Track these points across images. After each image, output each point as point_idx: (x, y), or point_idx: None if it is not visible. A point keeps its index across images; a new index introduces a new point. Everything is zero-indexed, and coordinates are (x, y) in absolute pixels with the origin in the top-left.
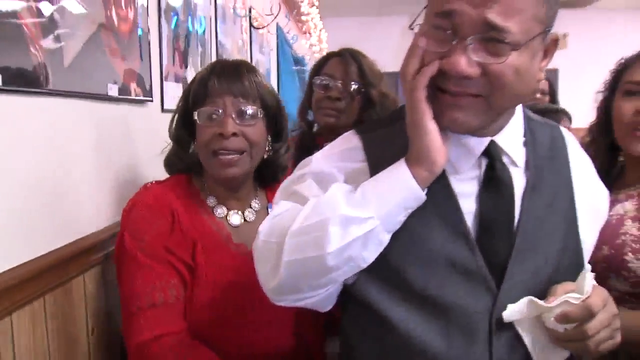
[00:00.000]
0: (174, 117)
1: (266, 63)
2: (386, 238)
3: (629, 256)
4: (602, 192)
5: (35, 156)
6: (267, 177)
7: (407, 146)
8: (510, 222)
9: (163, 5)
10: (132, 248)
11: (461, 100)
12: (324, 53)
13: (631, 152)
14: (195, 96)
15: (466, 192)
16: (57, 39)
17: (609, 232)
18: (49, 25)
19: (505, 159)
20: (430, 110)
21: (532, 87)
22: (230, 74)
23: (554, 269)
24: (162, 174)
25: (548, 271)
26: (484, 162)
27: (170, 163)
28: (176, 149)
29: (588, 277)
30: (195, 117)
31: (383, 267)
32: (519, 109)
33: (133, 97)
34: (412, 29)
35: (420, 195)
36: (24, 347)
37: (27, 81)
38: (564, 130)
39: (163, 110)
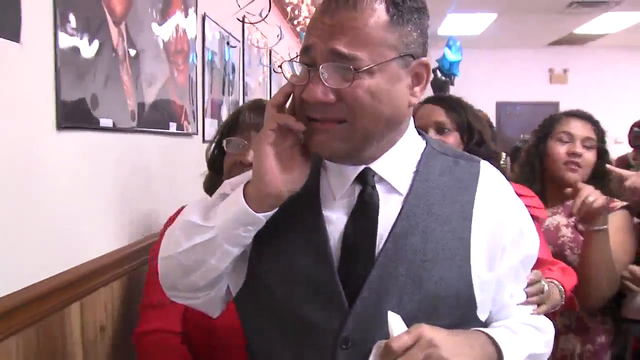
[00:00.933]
0: (210, 145)
1: None
2: (233, 250)
3: (568, 252)
4: (513, 230)
5: (127, 175)
6: None
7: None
8: (371, 246)
9: (207, 60)
10: None
11: (326, 126)
12: None
13: (566, 181)
14: (229, 127)
15: (338, 217)
16: (141, 94)
17: (552, 236)
18: (136, 83)
19: (381, 186)
20: (271, 138)
21: (398, 109)
22: (259, 112)
23: (426, 296)
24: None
25: (418, 297)
26: (358, 189)
27: (206, 187)
28: (211, 175)
29: (391, 321)
30: (224, 145)
31: (255, 282)
32: (419, 143)
33: (185, 131)
34: (279, 68)
35: (250, 213)
36: None
37: (126, 123)
38: (484, 166)
39: (204, 141)
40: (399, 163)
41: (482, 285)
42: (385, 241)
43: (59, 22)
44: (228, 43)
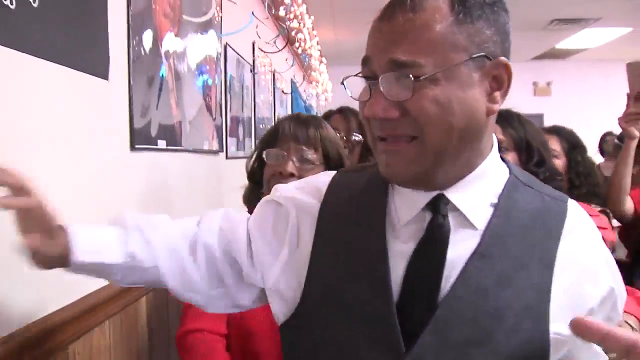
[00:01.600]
0: (251, 157)
1: (284, 113)
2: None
3: None
4: (603, 289)
5: (180, 186)
6: None
7: (361, 192)
8: (436, 285)
9: (228, 83)
10: None
11: (394, 146)
12: (329, 100)
13: None
14: (268, 139)
15: (402, 247)
16: (184, 117)
17: None
18: (180, 108)
19: (454, 217)
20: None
21: (474, 120)
22: (298, 124)
23: (494, 349)
24: (234, 205)
25: (484, 350)
26: (428, 216)
27: (246, 199)
28: (251, 186)
29: None
30: (264, 156)
31: (307, 309)
32: (502, 170)
33: (214, 149)
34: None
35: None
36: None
37: (175, 144)
38: (572, 208)
39: (227, 157)
40: (477, 192)
41: (559, 344)
42: (455, 281)
43: (131, 62)
44: (251, 70)
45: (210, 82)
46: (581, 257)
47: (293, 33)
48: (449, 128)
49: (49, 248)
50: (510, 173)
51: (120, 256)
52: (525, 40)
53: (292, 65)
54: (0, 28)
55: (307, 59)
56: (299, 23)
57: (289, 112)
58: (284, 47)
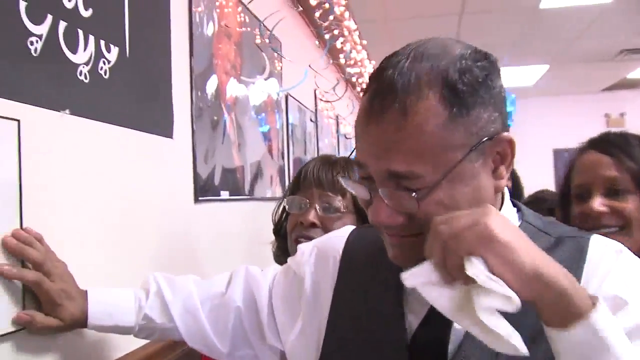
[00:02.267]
0: (275, 208)
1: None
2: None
3: None
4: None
5: (247, 235)
6: None
7: (378, 251)
8: (441, 349)
9: (290, 131)
10: None
11: (399, 240)
12: None
13: None
14: (292, 185)
15: (417, 311)
16: (247, 167)
17: None
18: (243, 159)
19: None
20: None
21: (481, 202)
22: (323, 168)
23: None
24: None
25: None
26: None
27: (275, 257)
28: (278, 242)
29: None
30: (285, 204)
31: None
32: (511, 219)
33: (276, 196)
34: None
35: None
36: None
37: (239, 194)
38: (595, 241)
39: None
40: None
41: None
42: (462, 340)
43: (195, 120)
44: (312, 119)
45: (271, 129)
46: (606, 287)
47: (354, 79)
48: None
49: (47, 321)
50: (521, 222)
51: (136, 319)
52: (594, 71)
53: (353, 111)
54: (76, 101)
55: None
56: (360, 69)
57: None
58: (344, 94)
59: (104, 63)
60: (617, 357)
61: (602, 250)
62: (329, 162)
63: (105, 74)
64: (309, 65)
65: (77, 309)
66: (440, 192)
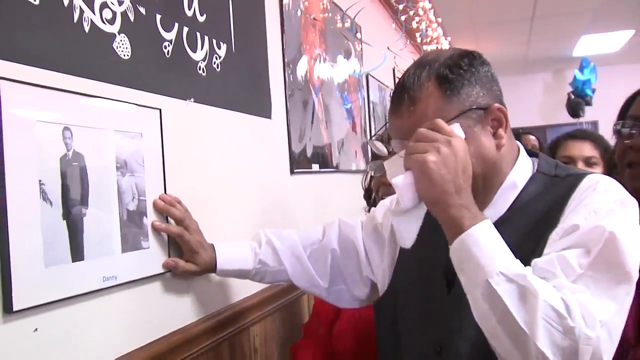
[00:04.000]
0: (365, 178)
1: None
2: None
3: None
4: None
5: (329, 205)
6: None
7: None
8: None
9: (371, 109)
10: None
11: None
12: None
13: None
14: (374, 153)
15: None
16: (334, 142)
17: None
18: (330, 135)
19: None
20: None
21: (488, 159)
22: None
23: None
24: None
25: None
26: None
27: None
28: (368, 205)
29: None
30: (368, 170)
31: (390, 295)
32: (527, 171)
33: (361, 169)
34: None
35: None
36: None
37: (327, 167)
38: (587, 178)
39: None
40: (506, 200)
41: None
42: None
43: (288, 102)
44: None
45: (354, 108)
46: (571, 216)
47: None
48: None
49: (187, 266)
50: (534, 171)
51: (253, 263)
52: None
53: None
54: (198, 90)
55: None
56: (437, 46)
57: None
58: None
59: (216, 58)
60: (479, 265)
61: (585, 186)
62: None
63: (217, 68)
64: (387, 47)
65: (208, 257)
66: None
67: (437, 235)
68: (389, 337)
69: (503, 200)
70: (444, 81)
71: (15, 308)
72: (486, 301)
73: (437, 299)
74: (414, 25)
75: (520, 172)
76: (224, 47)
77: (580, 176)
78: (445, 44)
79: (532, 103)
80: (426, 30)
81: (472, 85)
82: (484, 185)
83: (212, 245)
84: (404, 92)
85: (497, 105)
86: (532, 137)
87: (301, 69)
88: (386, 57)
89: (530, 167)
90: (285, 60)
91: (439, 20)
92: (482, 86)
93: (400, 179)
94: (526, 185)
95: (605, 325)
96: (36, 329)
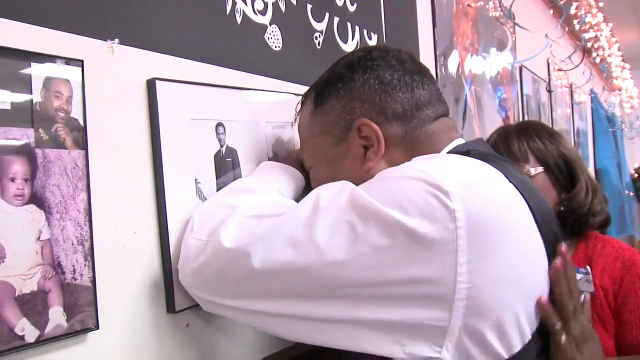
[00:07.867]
0: None
1: (583, 126)
2: None
3: None
4: None
5: None
6: (574, 227)
7: None
8: None
9: (525, 107)
10: None
11: None
12: (635, 106)
13: None
14: None
15: None
16: (485, 136)
17: None
18: (482, 129)
19: None
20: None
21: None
22: (499, 138)
23: None
24: None
25: None
26: None
27: None
28: None
29: None
30: None
31: None
32: None
33: None
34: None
35: None
36: None
37: None
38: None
39: None
40: None
41: None
42: None
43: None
44: (547, 88)
45: (507, 101)
46: None
47: (589, 44)
48: None
49: None
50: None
51: None
52: None
53: (589, 79)
54: (271, 66)
55: (606, 68)
56: (596, 33)
57: (589, 125)
58: (581, 61)
59: None
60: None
61: None
62: (505, 132)
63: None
64: (545, 35)
65: None
66: (313, 172)
67: None
68: None
69: None
70: (318, 93)
71: (177, 309)
72: None
73: None
74: (573, 11)
75: None
76: (374, 37)
77: None
78: (605, 31)
79: None
80: (585, 16)
81: (339, 97)
82: None
83: None
84: (305, 95)
85: (362, 120)
86: None
87: (453, 61)
88: (548, 43)
89: None
90: (437, 52)
91: (600, 4)
92: (361, 97)
93: None
94: None
95: None
96: (187, 324)
